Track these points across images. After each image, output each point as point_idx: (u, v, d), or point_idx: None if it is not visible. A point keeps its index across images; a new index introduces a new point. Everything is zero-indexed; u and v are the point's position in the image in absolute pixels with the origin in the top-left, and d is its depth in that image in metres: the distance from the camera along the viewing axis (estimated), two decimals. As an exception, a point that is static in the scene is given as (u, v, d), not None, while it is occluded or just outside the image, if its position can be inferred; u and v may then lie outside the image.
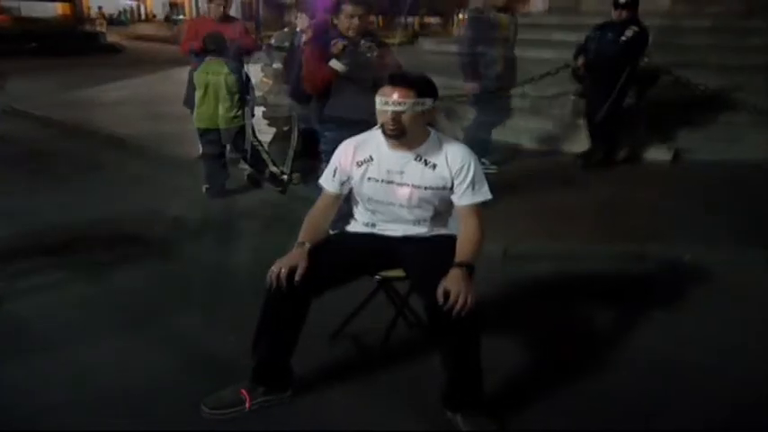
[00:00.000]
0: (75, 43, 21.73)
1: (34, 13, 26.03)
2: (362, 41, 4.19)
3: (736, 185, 5.77)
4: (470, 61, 5.88)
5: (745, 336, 3.40)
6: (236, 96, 5.36)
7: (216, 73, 5.31)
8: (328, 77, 4.22)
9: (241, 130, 5.49)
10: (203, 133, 5.55)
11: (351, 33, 4.17)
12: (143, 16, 50.89)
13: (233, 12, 6.76)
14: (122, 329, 3.32)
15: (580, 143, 6.68)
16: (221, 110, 5.34)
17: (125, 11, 46.78)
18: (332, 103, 4.31)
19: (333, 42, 4.15)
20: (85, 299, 3.66)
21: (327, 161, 2.91)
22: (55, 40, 21.17)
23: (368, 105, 4.03)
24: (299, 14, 6.30)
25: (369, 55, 4.15)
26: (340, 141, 4.28)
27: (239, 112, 5.43)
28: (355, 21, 4.15)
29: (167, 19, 38.71)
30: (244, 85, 5.49)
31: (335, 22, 4.27)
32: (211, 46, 5.39)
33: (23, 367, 2.97)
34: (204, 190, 5.65)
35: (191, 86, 6.66)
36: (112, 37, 27.90)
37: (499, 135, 7.41)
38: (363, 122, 4.11)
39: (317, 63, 4.23)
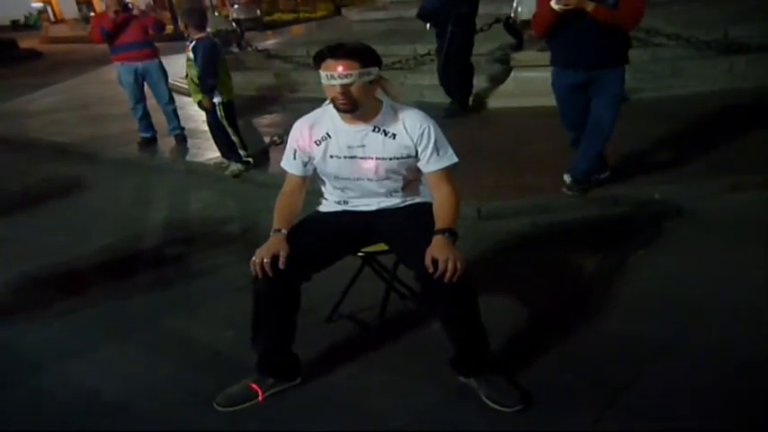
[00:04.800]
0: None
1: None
2: None
3: (683, 120, 5.88)
4: None
5: (725, 266, 3.47)
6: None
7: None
8: (548, 19, 3.95)
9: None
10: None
11: None
12: (52, 18, 49.02)
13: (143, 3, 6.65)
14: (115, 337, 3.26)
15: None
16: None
17: (30, 15, 45.13)
18: (552, 45, 4.20)
19: None
20: (70, 310, 3.56)
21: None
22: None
23: (581, 52, 3.96)
24: None
25: None
26: (559, 86, 4.25)
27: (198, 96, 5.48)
28: None
29: (86, 19, 37.42)
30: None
31: None
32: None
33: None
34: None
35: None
36: (27, 42, 26.73)
37: (436, 96, 7.33)
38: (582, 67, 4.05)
39: (543, 3, 3.93)
